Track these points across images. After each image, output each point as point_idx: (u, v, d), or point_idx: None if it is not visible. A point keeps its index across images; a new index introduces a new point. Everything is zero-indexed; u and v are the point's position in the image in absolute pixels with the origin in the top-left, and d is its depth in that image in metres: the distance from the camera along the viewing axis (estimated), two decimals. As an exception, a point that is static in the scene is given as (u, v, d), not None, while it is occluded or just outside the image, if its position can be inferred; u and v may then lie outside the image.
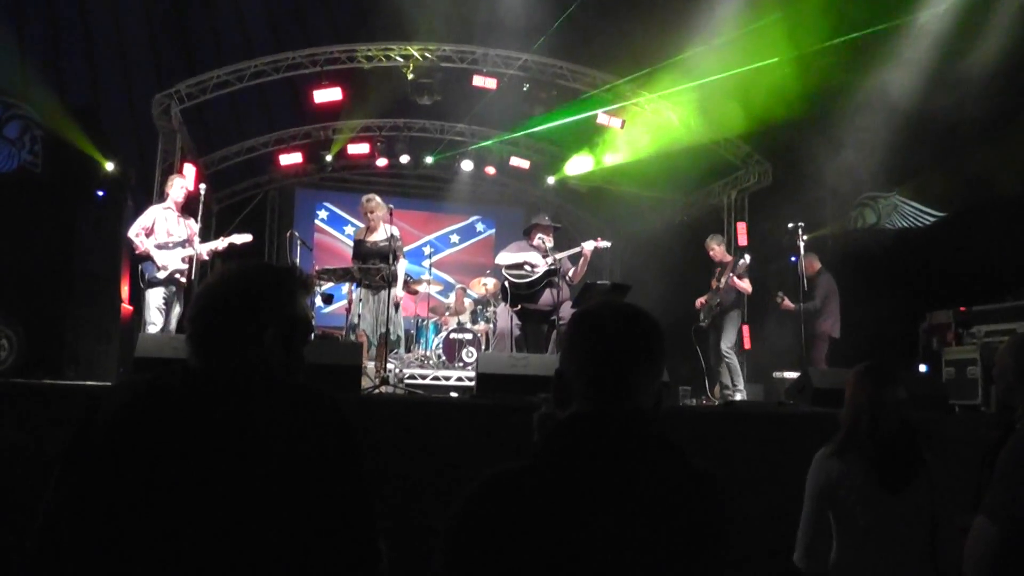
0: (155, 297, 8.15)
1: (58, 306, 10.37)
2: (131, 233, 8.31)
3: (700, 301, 10.24)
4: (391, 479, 4.84)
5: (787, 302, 10.12)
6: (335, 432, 1.95)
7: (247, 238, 8.76)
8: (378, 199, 8.95)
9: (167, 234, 8.30)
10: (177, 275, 8.23)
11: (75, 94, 13.14)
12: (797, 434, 5.73)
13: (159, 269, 8.15)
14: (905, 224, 12.58)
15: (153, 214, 8.44)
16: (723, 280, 10.03)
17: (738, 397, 9.62)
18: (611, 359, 1.80)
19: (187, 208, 8.59)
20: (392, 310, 8.52)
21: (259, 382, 1.97)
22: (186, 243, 8.34)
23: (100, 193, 11.41)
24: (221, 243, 8.53)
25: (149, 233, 8.28)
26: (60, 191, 11.00)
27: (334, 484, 1.91)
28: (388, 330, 8.45)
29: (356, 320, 8.60)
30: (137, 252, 8.30)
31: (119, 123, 13.54)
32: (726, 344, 9.96)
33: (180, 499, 1.80)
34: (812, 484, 3.39)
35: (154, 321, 8.06)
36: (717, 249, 10.48)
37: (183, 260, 8.28)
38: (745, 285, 10.10)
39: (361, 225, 9.11)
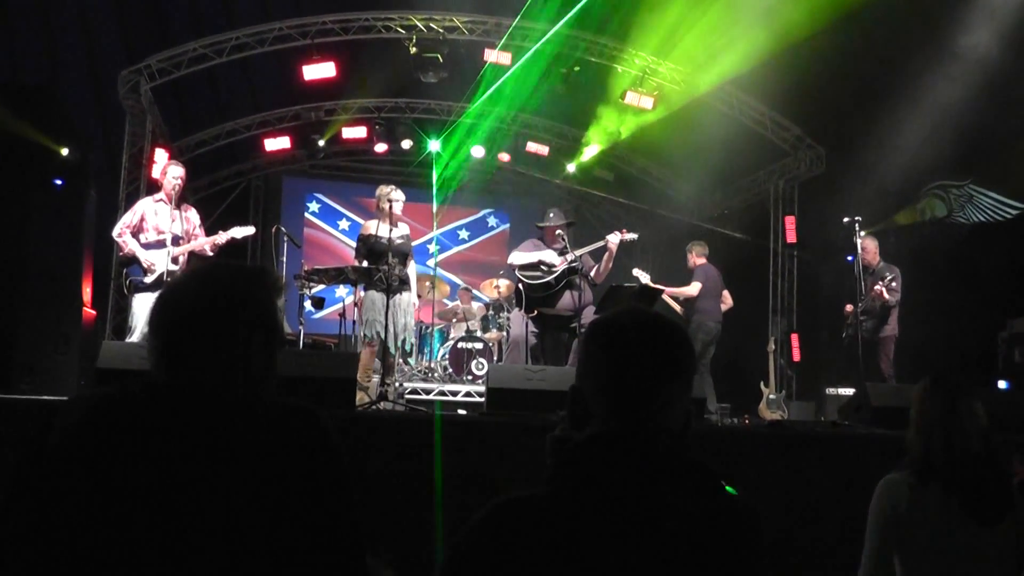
0: (143, 302, 8.02)
1: (9, 309, 10.39)
2: (114, 233, 8.18)
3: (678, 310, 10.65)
4: (390, 505, 4.85)
5: (883, 289, 9.92)
6: (319, 449, 1.96)
7: (249, 231, 8.70)
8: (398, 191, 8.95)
9: (157, 231, 8.16)
10: (167, 278, 8.10)
11: (29, 69, 13.18)
12: (854, 458, 5.72)
13: (146, 272, 8.01)
14: (981, 217, 12.50)
15: (142, 208, 8.31)
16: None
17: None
18: (632, 374, 1.80)
19: (184, 198, 8.50)
20: (410, 317, 8.54)
21: (235, 396, 1.97)
22: (180, 240, 8.22)
23: (58, 182, 11.44)
24: (221, 237, 8.40)
25: (136, 231, 8.15)
26: (11, 179, 11.01)
27: (318, 508, 1.91)
28: (405, 339, 8.47)
29: (376, 328, 8.47)
30: (121, 254, 8.24)
31: (80, 103, 13.58)
32: None
33: (146, 528, 1.80)
34: (876, 516, 3.33)
35: (141, 329, 7.96)
36: (688, 257, 11.29)
37: (172, 260, 8.12)
38: (683, 290, 10.93)
39: (362, 220, 9.09)
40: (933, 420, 3.31)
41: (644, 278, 10.58)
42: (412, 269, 8.88)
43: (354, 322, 8.54)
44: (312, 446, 1.95)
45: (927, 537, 3.18)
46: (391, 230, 8.62)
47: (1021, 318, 10.60)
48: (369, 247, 8.70)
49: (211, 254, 8.40)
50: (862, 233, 9.24)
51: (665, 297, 10.56)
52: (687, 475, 1.74)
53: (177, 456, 1.85)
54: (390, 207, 8.60)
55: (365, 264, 8.64)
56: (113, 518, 1.80)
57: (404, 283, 8.56)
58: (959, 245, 12.03)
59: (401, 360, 8.55)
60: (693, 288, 10.66)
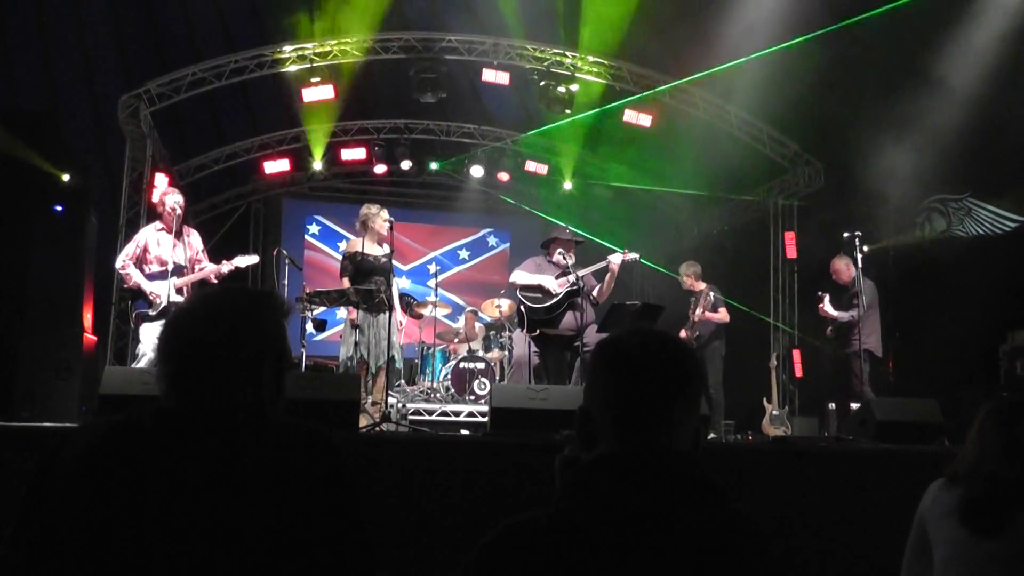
0: (150, 331, 7.93)
1: (10, 336, 10.38)
2: (117, 264, 8.13)
3: (682, 334, 10.43)
4: (394, 528, 4.84)
5: (827, 306, 9.95)
6: (330, 471, 1.96)
7: (253, 260, 8.65)
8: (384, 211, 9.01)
9: (160, 262, 8.08)
10: (173, 308, 8.01)
11: (29, 95, 13.20)
12: (858, 473, 5.71)
13: (151, 304, 7.95)
14: (980, 231, 12.49)
15: (144, 238, 8.24)
16: (695, 313, 10.67)
17: (711, 436, 9.65)
18: (641, 393, 1.80)
19: (185, 221, 8.46)
20: (395, 336, 8.54)
21: (245, 420, 1.97)
22: (184, 269, 8.15)
23: (58, 208, 11.44)
24: (226, 267, 8.34)
25: (140, 261, 8.09)
26: (12, 206, 11.03)
27: (330, 531, 1.92)
28: (392, 358, 8.46)
29: (353, 350, 8.54)
30: (126, 286, 8.19)
31: (80, 128, 13.60)
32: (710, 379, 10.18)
33: (160, 554, 1.80)
34: (919, 510, 3.39)
35: (149, 357, 7.89)
36: (687, 279, 11.18)
37: (177, 290, 8.05)
38: (719, 316, 10.80)
39: (354, 237, 9.12)
40: (993, 443, 3.33)
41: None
42: (395, 288, 8.96)
43: (356, 344, 8.51)
44: (323, 468, 1.95)
45: (943, 538, 3.21)
46: (392, 251, 8.68)
47: (1022, 331, 10.59)
48: (356, 265, 8.73)
49: (215, 282, 8.39)
50: (864, 248, 9.24)
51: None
52: (696, 494, 1.74)
53: (189, 481, 1.85)
54: (390, 227, 8.67)
55: (348, 282, 8.68)
56: (126, 546, 1.80)
57: (389, 301, 8.58)
58: (959, 258, 12.01)
59: (377, 376, 8.54)
60: (725, 314, 10.83)
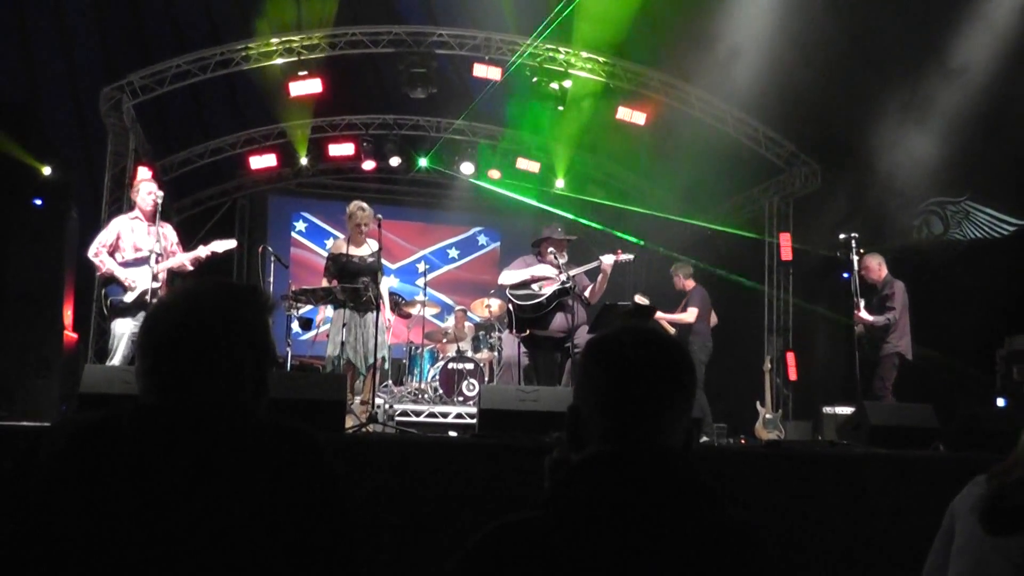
0: (123, 326, 7.92)
1: (-13, 334, 10.36)
2: (90, 252, 8.10)
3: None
4: (381, 531, 4.83)
5: (863, 312, 9.91)
6: (315, 471, 1.96)
7: (231, 244, 8.65)
8: (369, 208, 8.98)
9: (135, 249, 8.09)
10: (149, 296, 8.03)
11: (7, 87, 13.15)
12: (852, 478, 5.71)
13: (126, 291, 7.92)
14: (978, 234, 12.51)
15: (117, 227, 8.24)
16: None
17: (703, 439, 9.70)
18: (632, 392, 1.79)
19: (161, 215, 8.45)
20: (384, 336, 8.54)
21: (226, 418, 1.96)
22: (160, 257, 8.12)
23: (38, 202, 11.40)
24: (203, 251, 8.34)
25: (113, 250, 8.08)
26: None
27: (314, 532, 1.91)
28: (381, 358, 8.46)
29: (339, 349, 8.54)
30: (99, 274, 8.17)
31: (61, 120, 13.56)
32: None
33: (140, 555, 1.79)
34: (951, 504, 3.39)
35: (122, 353, 7.90)
36: (676, 279, 11.63)
37: (154, 277, 8.00)
38: (681, 317, 11.24)
39: (341, 236, 9.11)
40: None
41: (646, 303, 10.81)
42: (384, 286, 8.95)
43: (343, 344, 8.49)
44: (307, 468, 1.94)
45: (960, 530, 3.22)
46: (379, 249, 8.67)
47: (1019, 335, 10.61)
48: (340, 267, 8.71)
49: (191, 268, 8.37)
50: (860, 250, 9.26)
51: (663, 324, 10.74)
52: (689, 495, 1.74)
53: (169, 481, 1.84)
54: (379, 225, 8.66)
55: (326, 283, 8.67)
56: (105, 547, 1.79)
57: (375, 301, 8.58)
58: (956, 262, 12.04)
59: (367, 376, 8.53)
60: (690, 315, 10.97)
